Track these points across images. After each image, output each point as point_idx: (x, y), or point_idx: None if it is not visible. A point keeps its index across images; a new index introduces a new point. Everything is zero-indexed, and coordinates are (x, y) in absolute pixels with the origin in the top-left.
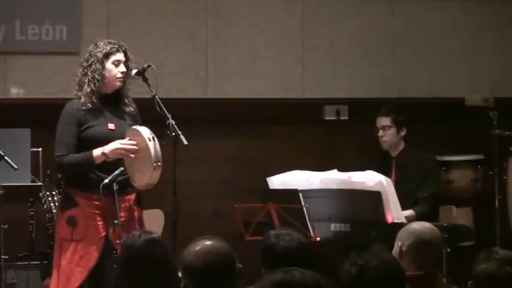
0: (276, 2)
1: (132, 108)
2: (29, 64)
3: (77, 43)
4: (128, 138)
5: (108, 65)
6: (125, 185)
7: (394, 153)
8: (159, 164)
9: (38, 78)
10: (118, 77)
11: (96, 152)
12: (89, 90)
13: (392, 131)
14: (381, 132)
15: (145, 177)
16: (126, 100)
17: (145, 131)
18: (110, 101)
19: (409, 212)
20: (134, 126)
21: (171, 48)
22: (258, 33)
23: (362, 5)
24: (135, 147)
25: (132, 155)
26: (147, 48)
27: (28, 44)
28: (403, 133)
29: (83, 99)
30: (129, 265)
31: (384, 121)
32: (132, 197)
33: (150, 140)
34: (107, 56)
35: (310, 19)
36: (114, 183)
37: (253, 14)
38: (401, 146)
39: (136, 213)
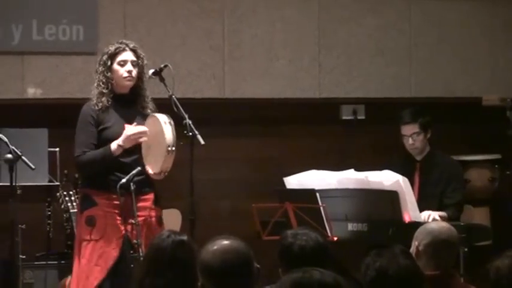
0: (293, 2)
1: (149, 109)
2: (46, 64)
3: (94, 43)
4: (146, 125)
5: (114, 66)
6: (144, 184)
7: (419, 157)
8: (173, 148)
9: (54, 78)
10: (125, 77)
11: (113, 145)
12: (97, 92)
13: (422, 136)
14: (410, 141)
15: (158, 162)
16: (142, 100)
17: (161, 117)
18: (126, 101)
19: (443, 214)
20: (153, 114)
21: (188, 48)
22: (275, 33)
23: (378, 4)
24: (144, 129)
25: (145, 138)
26: (164, 48)
27: (45, 44)
28: (429, 135)
29: (94, 101)
30: (153, 264)
31: (412, 128)
32: (151, 196)
33: (165, 124)
34: (112, 57)
35: (326, 19)
36: (131, 183)
37: (270, 14)
38: (427, 149)
39: (155, 213)
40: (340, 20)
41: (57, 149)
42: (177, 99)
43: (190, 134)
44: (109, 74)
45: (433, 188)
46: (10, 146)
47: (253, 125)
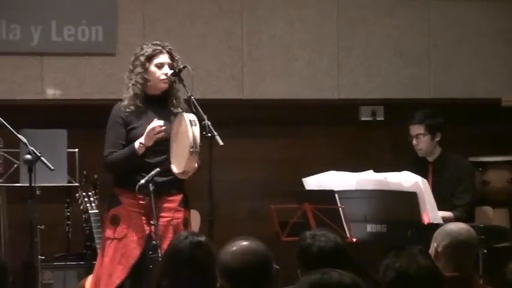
0: (311, 3)
1: (180, 109)
2: (65, 65)
3: (113, 44)
4: (174, 125)
5: (151, 67)
6: (171, 186)
7: (431, 159)
8: (196, 149)
9: (73, 79)
10: (162, 79)
11: (136, 143)
12: (132, 93)
13: (427, 138)
14: (414, 141)
15: (182, 162)
16: (174, 101)
17: (188, 116)
18: (157, 102)
19: (448, 214)
20: (181, 112)
21: (206, 48)
22: (294, 33)
23: (397, 5)
24: (161, 123)
25: (162, 134)
26: (182, 48)
27: (64, 45)
28: (437, 138)
29: (126, 102)
30: (172, 265)
31: (417, 129)
32: (178, 198)
33: (191, 124)
34: (150, 58)
35: (345, 20)
36: (150, 184)
37: (289, 15)
38: (438, 151)
39: (181, 215)
40: (359, 20)
41: (76, 150)
42: (196, 100)
43: (209, 135)
44: (146, 75)
45: (445, 189)
46: (29, 146)
47: (272, 125)
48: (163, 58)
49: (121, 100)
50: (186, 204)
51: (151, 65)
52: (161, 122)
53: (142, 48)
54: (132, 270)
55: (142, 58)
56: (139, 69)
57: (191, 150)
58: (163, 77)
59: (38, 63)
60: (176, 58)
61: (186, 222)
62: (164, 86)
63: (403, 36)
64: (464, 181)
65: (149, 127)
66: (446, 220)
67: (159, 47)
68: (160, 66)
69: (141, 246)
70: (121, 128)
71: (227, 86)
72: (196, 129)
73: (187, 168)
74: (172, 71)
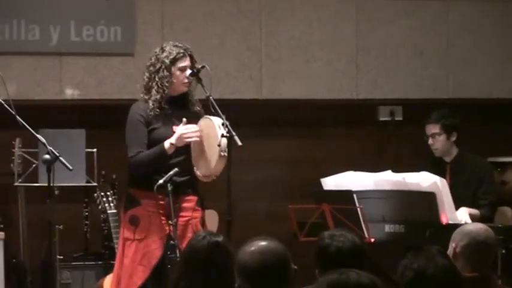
0: (330, 3)
1: (198, 108)
2: (83, 65)
3: (132, 44)
4: (199, 127)
5: (175, 71)
6: (188, 186)
7: (448, 159)
8: (225, 153)
9: (92, 79)
10: (184, 83)
11: (166, 143)
12: (158, 96)
13: (443, 137)
14: (430, 141)
15: (210, 165)
16: (192, 100)
17: (216, 120)
18: (176, 102)
19: (475, 211)
20: (207, 116)
21: (225, 49)
22: (312, 34)
23: (415, 6)
24: (197, 129)
25: (197, 139)
26: (201, 49)
27: (83, 45)
28: (453, 138)
29: (151, 104)
30: (189, 265)
31: (432, 128)
32: (195, 198)
33: (220, 128)
34: (174, 62)
35: (363, 20)
36: (168, 184)
37: (307, 15)
38: (455, 151)
39: (199, 214)
40: (378, 21)
41: (95, 150)
42: (215, 100)
43: (228, 135)
44: (171, 79)
45: (464, 190)
46: (48, 146)
47: (290, 126)
48: (186, 61)
49: (138, 100)
50: (202, 204)
51: (175, 69)
52: (195, 127)
53: (163, 50)
54: (154, 271)
55: (167, 61)
56: (165, 73)
57: (221, 154)
58: (185, 80)
59: (56, 63)
60: (195, 61)
61: (203, 222)
62: (185, 89)
63: (421, 37)
64: (486, 181)
65: (183, 130)
66: (473, 218)
67: (183, 50)
68: (183, 69)
69: (162, 246)
70: (143, 127)
71: (245, 87)
72: (224, 133)
73: (214, 172)
74: (191, 71)
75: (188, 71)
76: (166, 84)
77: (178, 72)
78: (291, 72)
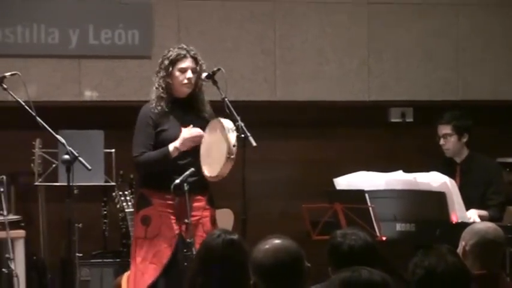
0: (343, 8)
1: (206, 113)
2: (102, 68)
3: (149, 47)
4: (208, 129)
5: (175, 71)
6: (198, 185)
7: (458, 160)
8: (233, 156)
9: (110, 82)
10: (184, 83)
11: (170, 146)
12: (156, 95)
13: (454, 138)
14: (442, 141)
15: (217, 167)
16: (199, 104)
17: (226, 123)
18: (184, 105)
19: (484, 212)
20: (217, 118)
21: (240, 52)
22: (325, 37)
23: (426, 9)
24: (200, 132)
25: (200, 143)
26: (216, 52)
27: (101, 48)
28: (465, 139)
29: (153, 104)
30: (205, 263)
31: (444, 129)
32: (205, 196)
33: (229, 131)
34: (173, 62)
35: (375, 24)
36: (185, 184)
37: (320, 19)
38: (465, 152)
39: (209, 213)
40: (389, 25)
41: (113, 150)
42: (230, 101)
43: (243, 136)
44: (169, 79)
45: (473, 190)
46: (67, 147)
47: (304, 127)
48: (187, 63)
49: (148, 101)
50: (212, 203)
51: (175, 69)
52: (200, 131)
53: (168, 51)
54: (165, 269)
55: (166, 62)
56: (162, 73)
57: (228, 156)
58: (185, 81)
59: (75, 66)
60: (200, 63)
61: (214, 220)
62: (187, 90)
63: (432, 40)
64: (495, 182)
65: (187, 134)
66: (482, 219)
67: (184, 51)
68: (183, 70)
69: (172, 245)
70: (151, 129)
71: (260, 89)
72: (233, 136)
73: (221, 174)
74: (206, 74)
75: (189, 72)
76: (163, 85)
77: (177, 73)
78: (304, 75)
